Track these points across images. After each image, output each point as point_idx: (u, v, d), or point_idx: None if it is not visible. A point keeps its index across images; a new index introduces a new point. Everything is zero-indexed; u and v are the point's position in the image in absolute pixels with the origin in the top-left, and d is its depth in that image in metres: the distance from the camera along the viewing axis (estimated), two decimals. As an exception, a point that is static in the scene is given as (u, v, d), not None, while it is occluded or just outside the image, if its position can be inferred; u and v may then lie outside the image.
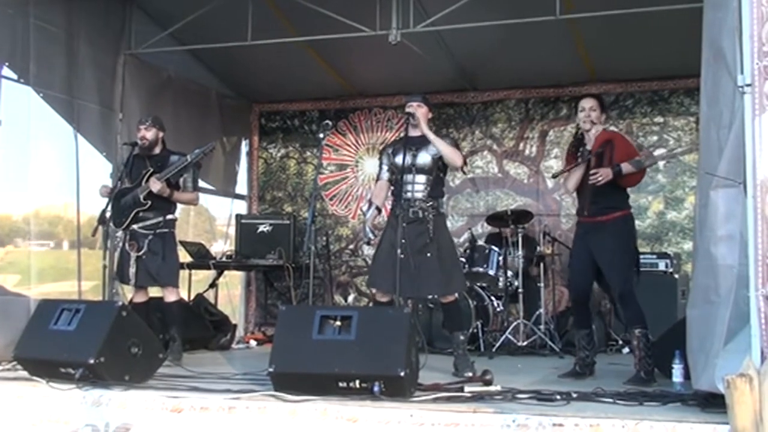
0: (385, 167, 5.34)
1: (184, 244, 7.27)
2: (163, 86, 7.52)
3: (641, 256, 6.87)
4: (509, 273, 7.00)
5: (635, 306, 4.71)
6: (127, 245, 5.59)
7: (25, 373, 4.42)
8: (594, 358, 4.97)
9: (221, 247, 8.95)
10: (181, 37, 7.34)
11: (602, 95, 5.65)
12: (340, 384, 3.72)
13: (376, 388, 3.64)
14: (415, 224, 5.05)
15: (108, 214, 5.53)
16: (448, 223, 5.85)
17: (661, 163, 7.72)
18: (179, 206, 5.93)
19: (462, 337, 5.24)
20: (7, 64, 5.98)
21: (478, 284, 6.98)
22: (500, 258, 6.92)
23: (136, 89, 7.09)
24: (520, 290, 6.94)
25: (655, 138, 7.75)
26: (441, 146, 5.09)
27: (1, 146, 6.00)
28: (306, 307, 5.32)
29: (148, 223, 5.59)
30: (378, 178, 5.41)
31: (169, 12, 7.01)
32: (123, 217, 5.59)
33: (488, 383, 4.07)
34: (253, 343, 7.55)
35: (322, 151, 8.25)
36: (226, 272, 8.01)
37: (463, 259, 6.66)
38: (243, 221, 8.27)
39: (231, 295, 8.46)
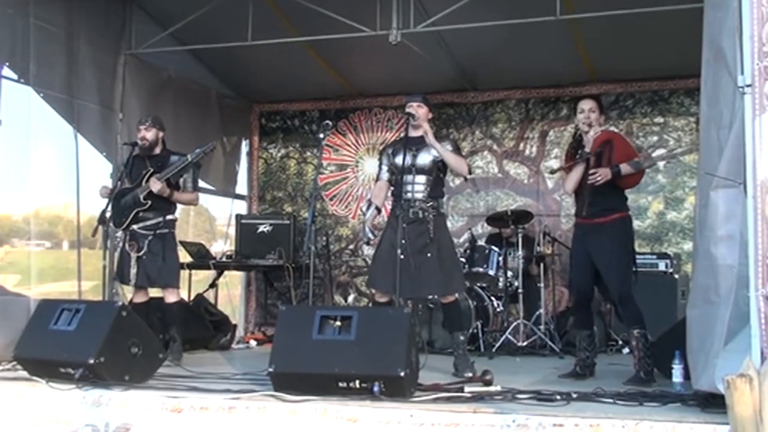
0: (384, 167, 5.34)
1: (184, 244, 7.27)
2: (163, 86, 7.52)
3: (641, 257, 6.94)
4: (509, 273, 7.00)
5: (634, 307, 4.71)
6: (127, 245, 5.58)
7: (25, 373, 4.42)
8: (594, 359, 4.96)
9: (221, 247, 8.96)
10: (181, 37, 7.34)
11: (602, 96, 5.66)
12: (340, 384, 3.72)
13: (376, 388, 3.64)
14: (416, 224, 5.05)
15: (108, 215, 5.53)
16: (448, 223, 5.85)
17: (661, 164, 7.72)
18: (179, 206, 5.93)
19: (462, 338, 5.24)
20: (7, 64, 5.98)
21: (478, 284, 6.98)
22: (500, 258, 6.92)
23: (137, 89, 7.09)
24: (520, 290, 6.94)
25: (655, 138, 7.75)
26: (448, 158, 5.11)
27: (1, 146, 6.00)
28: (306, 307, 5.32)
29: (148, 223, 5.59)
30: (378, 178, 5.41)
31: (170, 12, 7.02)
32: (123, 217, 5.58)
33: (488, 383, 4.07)
34: (253, 343, 7.55)
35: (322, 151, 8.25)
36: (226, 272, 8.01)
37: (463, 260, 6.66)
38: (243, 221, 8.27)
39: (231, 295, 8.46)
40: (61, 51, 6.45)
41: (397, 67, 7.50)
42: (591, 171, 4.74)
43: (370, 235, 5.21)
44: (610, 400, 3.71)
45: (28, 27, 6.08)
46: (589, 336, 4.96)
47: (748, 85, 3.15)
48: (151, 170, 5.56)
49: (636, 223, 7.47)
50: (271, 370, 3.85)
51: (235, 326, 7.49)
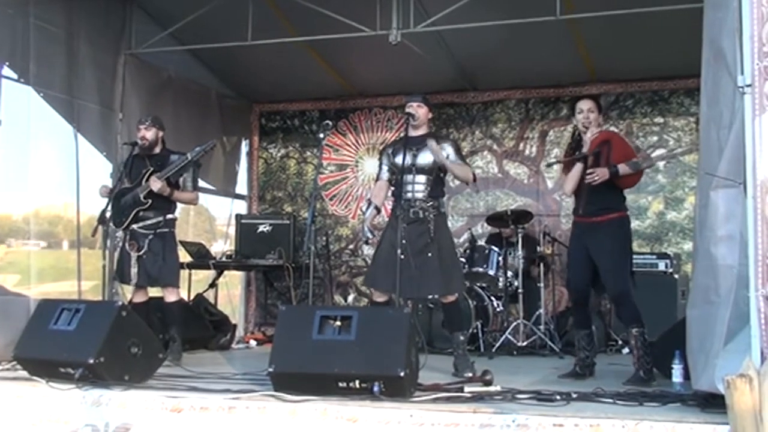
0: (385, 167, 5.34)
1: (184, 244, 7.27)
2: (163, 86, 7.52)
3: (641, 257, 6.96)
4: (509, 273, 7.00)
5: (631, 305, 4.72)
6: (127, 245, 5.58)
7: (24, 373, 4.42)
8: (594, 359, 4.97)
9: (221, 247, 8.96)
10: (181, 37, 7.34)
11: (602, 96, 5.66)
12: (340, 384, 3.72)
13: (376, 388, 3.64)
14: (416, 224, 5.05)
15: (108, 214, 5.53)
16: (448, 223, 5.85)
17: (661, 164, 7.72)
18: (179, 206, 5.93)
19: (462, 338, 5.24)
20: (7, 63, 5.98)
21: (478, 284, 6.98)
22: (500, 258, 6.92)
23: (137, 89, 7.09)
24: (520, 290, 6.94)
25: (655, 138, 7.75)
26: (455, 171, 5.13)
27: (1, 146, 6.00)
28: (306, 307, 5.32)
29: (148, 222, 5.58)
30: (378, 178, 5.41)
31: (170, 12, 7.02)
32: (123, 216, 5.58)
33: (488, 383, 4.07)
34: (253, 343, 7.54)
35: (322, 151, 8.25)
36: (226, 272, 8.01)
37: (463, 259, 6.66)
38: (243, 221, 8.27)
39: (231, 295, 8.46)
40: (61, 51, 6.45)
41: (397, 67, 7.50)
42: (588, 171, 4.75)
43: (369, 235, 5.21)
44: (610, 400, 3.70)
45: (28, 27, 6.08)
46: (587, 335, 4.96)
47: (748, 85, 3.15)
48: (151, 169, 5.56)
49: (636, 223, 7.51)
50: (271, 370, 3.85)
51: (235, 326, 7.49)
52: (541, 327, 6.74)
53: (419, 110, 5.17)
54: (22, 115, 6.27)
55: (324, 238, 8.20)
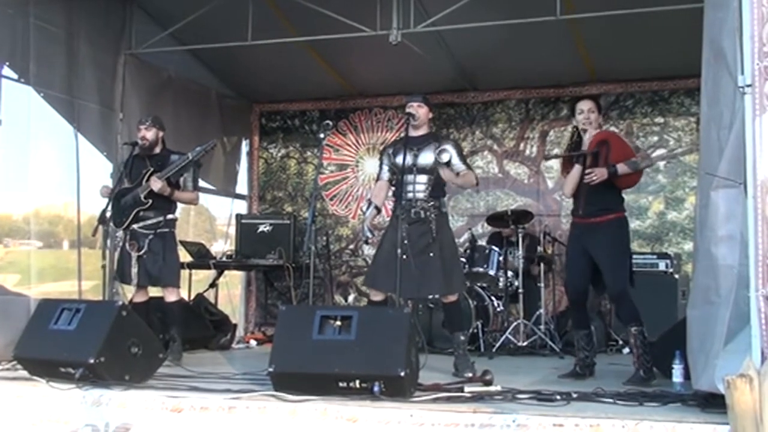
0: (385, 167, 5.34)
1: (184, 243, 7.27)
2: (163, 86, 7.52)
3: (642, 257, 6.96)
4: (509, 273, 7.00)
5: (630, 304, 4.72)
6: (127, 245, 5.58)
7: (25, 373, 4.42)
8: (594, 359, 4.97)
9: (221, 246, 8.96)
10: (181, 37, 7.34)
11: (602, 96, 5.65)
12: (340, 384, 3.72)
13: (376, 388, 3.64)
14: (418, 224, 5.05)
15: (108, 214, 5.53)
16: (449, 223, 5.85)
17: (661, 164, 7.72)
18: (179, 206, 5.93)
19: (462, 338, 5.24)
20: (7, 63, 5.98)
21: (478, 284, 6.98)
22: (500, 258, 6.92)
23: (137, 89, 7.09)
24: (520, 290, 6.93)
25: (655, 138, 7.75)
26: (460, 183, 5.16)
27: (1, 146, 6.00)
28: (306, 307, 5.32)
29: (148, 222, 5.58)
30: (378, 178, 5.40)
31: (170, 12, 7.02)
32: (123, 216, 5.58)
33: (488, 383, 4.07)
34: (253, 343, 7.54)
35: (323, 151, 8.25)
36: (226, 272, 8.01)
37: (463, 259, 6.66)
38: (243, 221, 8.27)
39: (231, 295, 8.46)
40: (61, 51, 6.45)
41: (397, 67, 7.50)
42: (587, 171, 4.75)
43: (369, 235, 5.21)
44: (610, 400, 3.71)
45: (28, 27, 6.08)
46: (587, 335, 4.96)
47: (748, 85, 3.15)
48: (152, 169, 5.56)
49: (636, 223, 7.53)
50: (271, 370, 3.85)
51: (235, 326, 7.49)
52: (542, 327, 6.74)
53: (419, 110, 5.16)
54: (22, 115, 6.27)
55: (324, 238, 8.20)
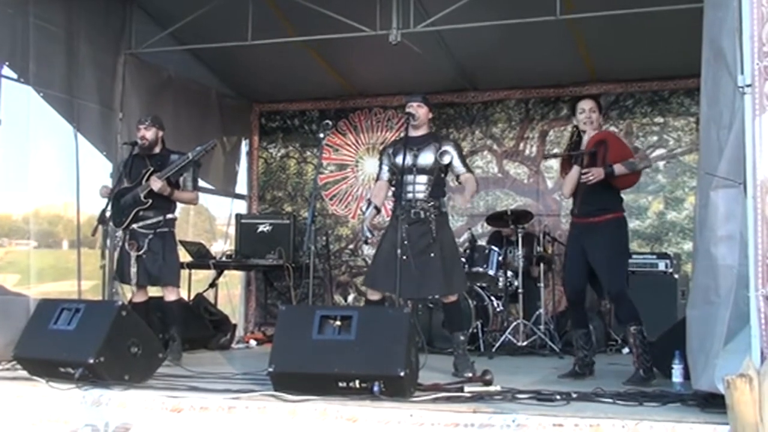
0: (385, 167, 5.34)
1: (184, 243, 7.27)
2: (163, 86, 7.52)
3: (641, 257, 6.97)
4: (509, 273, 7.00)
5: (629, 304, 4.72)
6: (127, 245, 5.58)
7: (24, 373, 4.42)
8: (593, 358, 4.97)
9: (221, 246, 8.95)
10: (181, 37, 7.34)
11: (602, 96, 5.65)
12: (340, 384, 3.72)
13: (376, 388, 3.64)
14: (418, 225, 5.05)
15: (108, 214, 5.53)
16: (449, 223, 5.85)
17: (661, 164, 7.72)
18: (179, 206, 5.93)
19: (462, 338, 5.24)
20: (7, 63, 5.98)
21: (478, 284, 6.98)
22: (500, 258, 6.92)
23: (136, 89, 7.09)
24: (519, 290, 6.94)
25: (655, 138, 7.75)
26: (471, 197, 5.17)
27: (1, 146, 6.00)
28: (306, 307, 5.32)
29: (148, 222, 5.58)
30: (378, 178, 5.40)
31: (170, 12, 7.02)
32: (123, 216, 5.58)
33: (488, 383, 4.07)
34: (253, 342, 7.54)
35: (322, 151, 8.25)
36: (226, 272, 8.01)
37: (463, 259, 6.65)
38: (243, 221, 8.27)
39: (231, 294, 8.46)
40: (61, 50, 6.45)
41: (397, 67, 7.50)
42: (583, 170, 4.75)
43: (368, 234, 5.21)
44: (610, 400, 3.70)
45: (27, 26, 6.08)
46: (585, 335, 4.96)
47: (748, 85, 3.15)
48: (152, 169, 5.56)
49: (636, 223, 7.53)
50: (271, 370, 3.85)
51: (234, 326, 7.49)
52: (541, 327, 6.74)
53: (419, 110, 5.16)
54: (22, 114, 6.28)
55: (324, 238, 8.20)
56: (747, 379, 2.90)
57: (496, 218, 7.26)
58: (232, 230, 8.61)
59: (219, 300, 7.80)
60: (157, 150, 5.71)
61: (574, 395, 3.77)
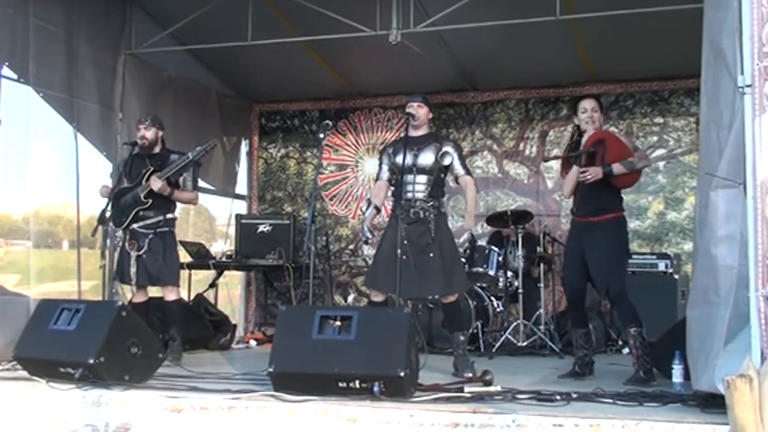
0: (385, 167, 5.34)
1: (184, 244, 7.27)
2: (163, 86, 7.52)
3: (641, 257, 6.96)
4: (509, 273, 7.00)
5: (628, 305, 4.71)
6: (127, 245, 5.58)
7: (24, 373, 4.42)
8: (593, 358, 4.97)
9: (221, 247, 8.96)
10: (181, 37, 7.34)
11: (602, 96, 5.65)
12: (340, 384, 3.72)
13: (376, 388, 3.64)
14: (417, 224, 5.05)
15: (108, 214, 5.53)
16: (449, 223, 5.85)
17: (661, 164, 7.72)
18: (179, 206, 5.93)
19: (462, 338, 5.24)
20: (6, 63, 5.98)
21: (478, 284, 6.98)
22: (500, 258, 6.92)
23: (136, 89, 7.10)
24: (520, 290, 6.93)
25: (655, 138, 7.75)
26: (474, 203, 5.20)
27: (1, 146, 6.00)
28: (306, 307, 5.32)
29: (148, 222, 5.58)
30: (378, 178, 5.41)
31: (170, 12, 7.02)
32: (123, 216, 5.58)
33: (488, 383, 4.07)
34: (253, 343, 7.54)
35: (322, 151, 8.24)
36: (226, 272, 8.01)
37: (463, 259, 6.65)
38: (243, 221, 8.27)
39: (231, 295, 8.46)
40: (61, 50, 6.45)
41: (397, 67, 7.50)
42: (581, 170, 4.75)
43: (369, 234, 5.21)
44: (610, 400, 3.70)
45: (27, 26, 6.08)
46: (585, 334, 4.96)
47: (748, 85, 3.15)
48: (152, 169, 5.56)
49: (636, 223, 7.53)
50: (271, 370, 3.85)
51: (234, 326, 7.48)
52: (541, 327, 6.74)
53: (419, 110, 5.17)
54: (22, 114, 6.27)
55: (324, 238, 8.20)
56: (747, 379, 2.90)
57: (496, 218, 7.26)
58: (232, 230, 8.61)
59: (219, 300, 7.81)
60: (157, 150, 5.71)
61: (574, 395, 3.77)
